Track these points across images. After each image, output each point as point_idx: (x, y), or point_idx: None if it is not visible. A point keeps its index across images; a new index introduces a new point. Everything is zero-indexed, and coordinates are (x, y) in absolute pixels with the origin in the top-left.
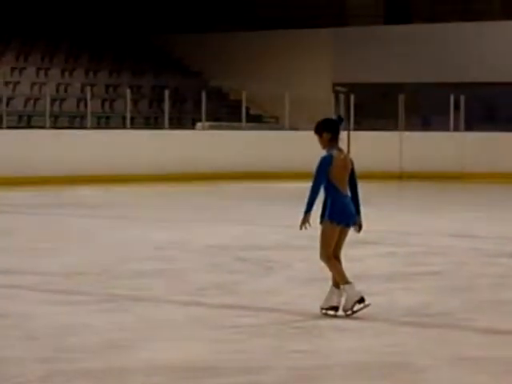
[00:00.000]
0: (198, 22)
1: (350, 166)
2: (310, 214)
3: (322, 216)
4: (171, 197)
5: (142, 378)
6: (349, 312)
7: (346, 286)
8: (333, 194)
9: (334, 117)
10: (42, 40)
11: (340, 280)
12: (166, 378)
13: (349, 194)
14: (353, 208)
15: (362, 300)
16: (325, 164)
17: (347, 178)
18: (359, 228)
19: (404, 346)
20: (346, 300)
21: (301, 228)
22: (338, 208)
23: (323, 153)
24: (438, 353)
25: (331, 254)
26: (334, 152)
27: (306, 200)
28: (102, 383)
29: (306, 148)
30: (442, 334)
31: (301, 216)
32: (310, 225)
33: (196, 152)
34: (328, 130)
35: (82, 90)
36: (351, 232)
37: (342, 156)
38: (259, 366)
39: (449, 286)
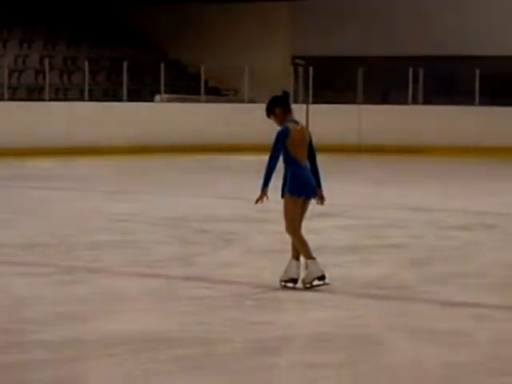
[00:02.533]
0: None
1: (307, 138)
2: (267, 188)
3: (283, 190)
4: (130, 169)
5: (99, 349)
6: (307, 285)
7: (309, 261)
8: (292, 167)
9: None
10: (0, 12)
11: (303, 254)
12: (123, 350)
13: (308, 165)
14: (313, 180)
15: (322, 277)
16: (282, 136)
17: (306, 150)
18: (321, 200)
19: (362, 318)
20: (307, 274)
21: (256, 203)
22: (298, 180)
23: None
24: (397, 325)
25: (297, 226)
26: (290, 124)
27: (263, 174)
28: (59, 355)
29: (265, 120)
30: (400, 307)
31: (259, 190)
32: (267, 198)
33: (155, 124)
34: (278, 105)
35: (41, 62)
36: (311, 204)
37: (299, 127)
38: (217, 338)
39: (407, 259)
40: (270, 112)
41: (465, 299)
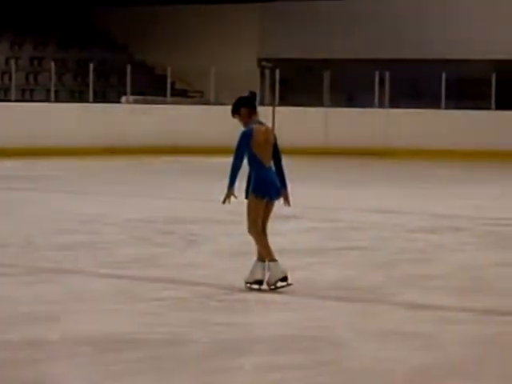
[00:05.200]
0: None
1: (272, 139)
2: (233, 188)
3: (247, 191)
4: (95, 170)
5: (63, 349)
6: (272, 287)
7: (271, 264)
8: (256, 168)
9: (246, 93)
10: None
11: (266, 256)
12: (88, 350)
13: (273, 167)
14: (277, 181)
15: (285, 279)
16: (245, 137)
17: (270, 151)
18: (287, 201)
19: (327, 319)
20: (270, 276)
21: (223, 203)
22: (262, 182)
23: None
24: (361, 327)
25: (260, 228)
26: (255, 126)
27: (228, 175)
28: (22, 354)
29: (231, 122)
30: (365, 309)
31: (225, 190)
32: (235, 197)
33: (121, 126)
34: (244, 105)
35: (7, 63)
36: (276, 206)
37: (264, 128)
38: (182, 339)
39: (372, 261)
40: (235, 112)
41: (430, 302)
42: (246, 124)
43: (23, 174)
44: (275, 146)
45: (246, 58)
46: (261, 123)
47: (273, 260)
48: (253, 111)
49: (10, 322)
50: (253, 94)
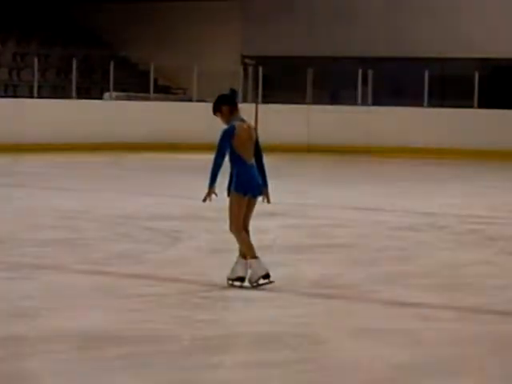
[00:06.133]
0: None
1: (254, 136)
2: (214, 186)
3: (229, 188)
4: (78, 166)
5: (43, 346)
6: (254, 284)
7: (253, 261)
8: (238, 165)
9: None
10: None
11: (247, 253)
12: (68, 347)
13: (254, 164)
14: (259, 178)
15: (267, 276)
16: (227, 135)
17: (252, 148)
18: (267, 199)
19: (309, 317)
20: (252, 274)
21: (204, 200)
22: (244, 179)
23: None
24: (343, 324)
25: (241, 226)
26: (237, 123)
27: (209, 172)
28: (2, 351)
29: (213, 120)
30: (347, 306)
31: (207, 188)
32: (216, 195)
33: (103, 122)
34: (225, 103)
35: None
36: (258, 204)
37: (245, 126)
38: (164, 336)
39: (354, 259)
40: (216, 110)
41: (411, 299)
42: (227, 122)
43: (6, 170)
44: (257, 143)
45: (229, 54)
46: (243, 120)
47: (254, 257)
48: (234, 108)
49: None
50: (233, 92)
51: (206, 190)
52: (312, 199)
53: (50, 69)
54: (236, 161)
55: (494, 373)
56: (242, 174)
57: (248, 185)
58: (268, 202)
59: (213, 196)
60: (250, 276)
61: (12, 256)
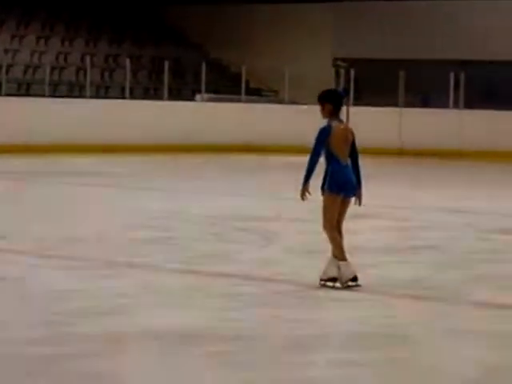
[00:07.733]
0: None
1: (350, 138)
2: (308, 184)
3: (323, 187)
4: (170, 168)
5: (137, 343)
6: (344, 285)
7: (342, 263)
8: (333, 164)
9: (339, 88)
10: (43, 8)
11: (337, 255)
12: (161, 344)
13: (350, 164)
14: (353, 178)
15: (354, 279)
16: (323, 134)
17: (347, 149)
18: (359, 200)
19: (400, 318)
20: (340, 276)
21: (302, 199)
22: (338, 178)
23: (322, 125)
24: (432, 325)
25: (334, 225)
26: (334, 123)
27: (304, 171)
28: (98, 347)
29: (305, 122)
30: (438, 307)
31: (300, 188)
32: (309, 193)
33: (195, 123)
34: (330, 101)
35: (82, 60)
36: (350, 205)
37: (342, 126)
38: (255, 334)
39: (444, 261)
40: (320, 101)
41: (501, 301)
42: (325, 118)
43: (99, 170)
44: (353, 143)
45: (320, 57)
46: (340, 121)
47: (343, 260)
48: (337, 110)
49: (84, 314)
50: (344, 92)
51: (297, 191)
52: (402, 201)
53: (142, 70)
54: (331, 160)
55: None
56: (336, 173)
57: (342, 184)
58: (360, 203)
59: (306, 195)
60: (338, 278)
61: (106, 254)
